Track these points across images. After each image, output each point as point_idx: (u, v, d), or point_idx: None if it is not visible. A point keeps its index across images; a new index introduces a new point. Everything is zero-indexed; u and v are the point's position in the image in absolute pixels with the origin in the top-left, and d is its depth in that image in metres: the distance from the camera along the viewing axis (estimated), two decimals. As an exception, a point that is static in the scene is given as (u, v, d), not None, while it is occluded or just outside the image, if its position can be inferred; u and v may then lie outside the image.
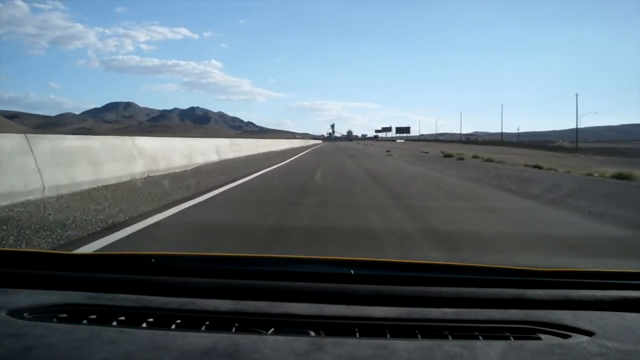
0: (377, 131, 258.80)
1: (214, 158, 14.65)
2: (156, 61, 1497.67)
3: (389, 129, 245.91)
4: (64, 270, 1.24)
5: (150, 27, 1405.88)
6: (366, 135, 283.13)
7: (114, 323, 0.99)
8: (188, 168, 11.46)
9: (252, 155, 20.38)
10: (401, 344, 0.89)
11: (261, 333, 0.95)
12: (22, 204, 5.23)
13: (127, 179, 8.15)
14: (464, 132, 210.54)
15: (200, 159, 13.03)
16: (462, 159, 22.62)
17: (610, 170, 13.11)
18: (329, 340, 0.91)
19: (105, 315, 1.03)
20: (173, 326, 0.99)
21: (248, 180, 9.34)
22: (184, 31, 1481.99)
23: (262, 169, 12.34)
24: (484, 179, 10.71)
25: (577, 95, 72.86)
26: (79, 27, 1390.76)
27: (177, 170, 10.57)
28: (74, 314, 1.03)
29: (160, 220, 4.70)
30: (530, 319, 1.01)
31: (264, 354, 0.84)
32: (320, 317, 1.02)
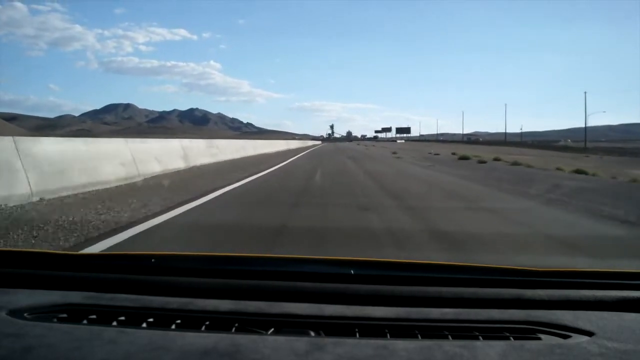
0: (376, 131, 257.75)
1: (176, 165, 10.96)
2: (155, 62, 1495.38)
3: (388, 130, 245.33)
4: (64, 270, 1.24)
5: (149, 29, 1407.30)
6: (365, 135, 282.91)
7: (114, 323, 0.99)
8: (128, 182, 8.00)
9: (233, 160, 16.17)
10: (401, 344, 0.89)
11: (261, 333, 0.95)
12: None
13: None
14: (464, 132, 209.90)
15: (152, 168, 9.48)
16: (483, 162, 18.58)
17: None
18: (328, 340, 0.91)
19: (105, 315, 1.02)
20: (173, 326, 0.99)
21: (203, 204, 5.97)
22: (183, 32, 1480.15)
23: (231, 183, 8.46)
24: (552, 198, 7.22)
25: (585, 93, 71.77)
26: (78, 28, 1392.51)
27: (101, 188, 7.02)
28: (74, 314, 1.03)
29: None
30: (530, 319, 1.01)
31: (264, 354, 0.84)
32: (320, 317, 1.02)
